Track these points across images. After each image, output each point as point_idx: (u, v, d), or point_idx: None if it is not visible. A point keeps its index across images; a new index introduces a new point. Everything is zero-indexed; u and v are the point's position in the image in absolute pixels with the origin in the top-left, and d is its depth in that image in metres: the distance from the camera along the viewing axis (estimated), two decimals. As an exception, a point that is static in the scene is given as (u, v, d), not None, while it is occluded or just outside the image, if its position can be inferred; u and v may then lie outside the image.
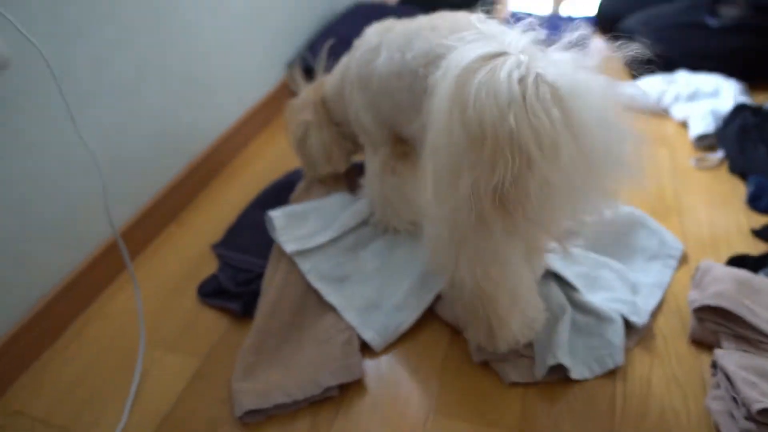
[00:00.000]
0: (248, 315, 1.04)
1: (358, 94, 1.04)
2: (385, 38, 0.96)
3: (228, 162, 1.48)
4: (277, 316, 1.00)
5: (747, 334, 0.90)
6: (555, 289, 1.00)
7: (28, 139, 0.96)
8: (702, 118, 1.45)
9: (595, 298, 1.00)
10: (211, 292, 1.09)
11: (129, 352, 0.99)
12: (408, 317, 0.99)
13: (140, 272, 1.16)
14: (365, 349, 0.97)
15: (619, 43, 0.69)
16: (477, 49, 0.66)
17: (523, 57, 0.65)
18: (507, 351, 0.91)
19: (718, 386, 0.86)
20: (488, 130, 0.63)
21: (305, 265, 1.07)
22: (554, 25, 0.73)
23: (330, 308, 1.02)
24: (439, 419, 0.87)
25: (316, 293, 1.05)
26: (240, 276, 1.11)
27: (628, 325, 0.96)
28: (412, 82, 0.88)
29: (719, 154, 1.37)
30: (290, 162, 1.39)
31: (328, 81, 1.20)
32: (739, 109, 1.43)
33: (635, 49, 0.68)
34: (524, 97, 0.62)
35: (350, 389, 0.92)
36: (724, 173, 1.34)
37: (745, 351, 0.89)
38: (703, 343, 0.95)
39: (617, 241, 1.12)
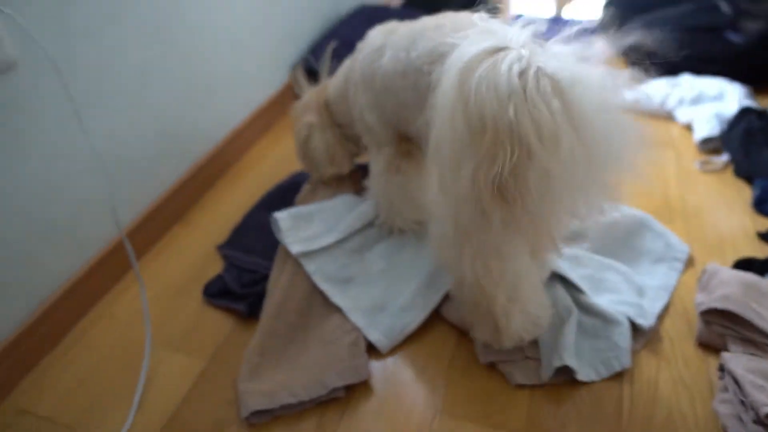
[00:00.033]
0: (254, 316, 1.04)
1: (362, 94, 1.04)
2: (389, 39, 0.97)
3: (233, 163, 1.49)
4: (283, 317, 1.00)
5: (754, 338, 0.90)
6: (561, 291, 1.00)
7: (35, 140, 0.96)
8: (707, 122, 1.45)
9: (601, 300, 1.00)
10: (216, 293, 1.09)
11: (135, 351, 0.99)
12: (414, 319, 0.99)
13: (145, 273, 1.16)
14: (371, 350, 0.97)
15: (623, 45, 0.70)
16: (479, 44, 0.68)
17: (524, 51, 0.66)
18: (512, 348, 0.91)
19: (725, 389, 0.86)
20: (489, 123, 0.64)
21: (311, 267, 1.07)
22: (557, 28, 0.74)
23: (336, 309, 1.02)
24: (446, 420, 0.87)
25: (321, 294, 1.05)
26: (245, 277, 1.11)
27: (635, 328, 0.96)
28: (417, 80, 0.89)
29: (724, 158, 1.37)
30: (295, 163, 1.39)
31: (331, 83, 1.20)
32: (744, 113, 1.43)
33: (639, 51, 0.69)
34: (524, 90, 0.63)
35: (356, 390, 0.92)
36: (729, 176, 1.33)
37: (752, 354, 0.89)
38: (709, 346, 0.95)
39: (623, 244, 1.12)
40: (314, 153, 1.24)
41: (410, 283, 1.04)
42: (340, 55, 1.23)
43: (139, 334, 1.02)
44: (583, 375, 0.90)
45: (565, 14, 2.27)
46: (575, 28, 0.70)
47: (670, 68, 1.65)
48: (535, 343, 0.93)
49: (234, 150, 1.48)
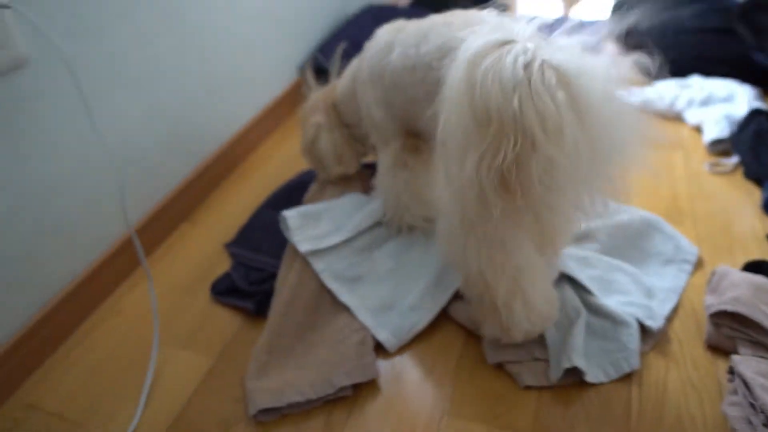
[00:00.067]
0: (261, 314, 1.04)
1: (370, 90, 1.05)
2: (398, 36, 0.98)
3: (240, 162, 1.49)
4: (291, 315, 1.00)
5: (763, 340, 0.90)
6: (569, 292, 1.00)
7: (47, 136, 0.96)
8: (716, 123, 1.44)
9: (609, 301, 0.99)
10: (224, 291, 1.10)
11: (142, 348, 1.00)
12: (422, 318, 0.99)
13: (153, 271, 1.16)
14: (379, 349, 0.97)
15: (632, 47, 0.70)
16: (485, 37, 0.69)
17: (529, 44, 0.67)
18: (521, 346, 0.91)
19: (735, 392, 0.85)
20: (494, 115, 0.65)
21: (319, 265, 1.07)
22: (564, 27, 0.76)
23: (344, 308, 1.02)
24: (453, 421, 0.87)
25: (329, 293, 1.05)
26: (253, 275, 1.11)
27: (644, 329, 0.95)
28: (426, 75, 0.90)
29: (734, 160, 1.37)
30: (302, 162, 1.39)
31: (339, 84, 1.21)
32: (754, 114, 1.43)
33: (648, 53, 0.70)
34: (529, 82, 0.64)
35: (364, 389, 0.92)
36: (738, 178, 1.33)
37: (762, 357, 0.88)
38: (719, 349, 0.94)
39: (632, 245, 1.12)
40: (322, 153, 1.24)
41: (418, 283, 1.04)
42: (347, 55, 1.23)
43: (146, 331, 1.02)
44: (591, 376, 0.89)
45: (573, 15, 2.27)
46: (578, 21, 0.72)
47: (679, 69, 1.65)
48: (543, 344, 0.93)
49: (241, 149, 1.49)
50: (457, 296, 1.01)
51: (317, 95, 1.26)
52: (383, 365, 0.95)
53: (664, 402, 0.87)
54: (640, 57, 0.70)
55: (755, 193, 1.28)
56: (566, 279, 1.02)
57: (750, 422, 0.80)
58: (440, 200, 0.82)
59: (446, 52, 0.84)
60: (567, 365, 0.88)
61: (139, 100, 1.14)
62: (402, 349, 0.98)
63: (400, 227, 1.14)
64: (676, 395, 0.88)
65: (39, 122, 0.95)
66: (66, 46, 0.94)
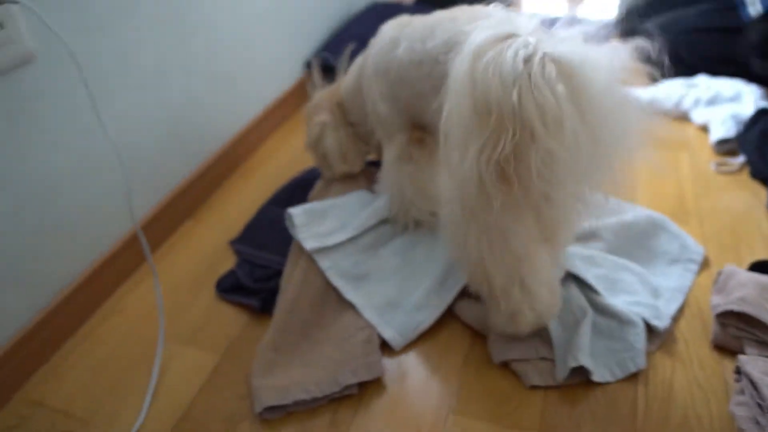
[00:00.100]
0: (267, 311, 1.04)
1: (375, 85, 1.05)
2: (404, 32, 0.99)
3: (245, 158, 1.49)
4: (297, 313, 1.00)
5: (770, 341, 0.89)
6: (575, 291, 1.00)
7: (53, 132, 0.96)
8: (722, 123, 1.44)
9: (616, 301, 0.99)
10: (229, 288, 1.09)
11: (148, 345, 1.00)
12: (428, 316, 0.99)
13: (157, 268, 1.16)
14: (385, 347, 0.97)
15: (638, 46, 0.70)
16: (490, 30, 0.70)
17: (531, 38, 0.68)
18: (527, 344, 0.91)
19: (742, 392, 0.85)
20: (494, 108, 0.66)
21: (325, 263, 1.07)
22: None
23: (349, 306, 1.02)
24: (459, 419, 0.87)
25: (335, 291, 1.04)
26: (258, 272, 1.11)
27: (650, 329, 0.95)
28: (433, 69, 0.91)
29: (740, 159, 1.36)
30: (307, 159, 1.39)
31: (344, 81, 1.21)
32: (760, 114, 1.42)
33: (654, 52, 0.70)
34: (529, 76, 0.65)
35: (369, 387, 0.91)
36: (745, 178, 1.32)
37: (768, 357, 0.88)
38: (725, 349, 0.94)
39: (638, 245, 1.12)
40: (327, 151, 1.24)
41: (424, 281, 1.04)
42: (352, 52, 1.23)
43: (151, 328, 1.02)
44: (598, 376, 0.89)
45: (578, 13, 2.26)
46: (581, 17, 0.73)
47: (686, 69, 1.64)
48: (549, 343, 0.93)
49: (247, 145, 1.48)
50: (462, 295, 1.01)
51: (322, 94, 1.26)
52: (389, 363, 0.95)
53: (671, 402, 0.87)
54: (641, 43, 0.71)
55: (761, 193, 1.27)
56: (572, 278, 1.01)
57: (757, 422, 0.80)
58: (444, 189, 0.84)
59: (452, 46, 0.85)
60: (573, 364, 0.88)
61: (144, 97, 1.14)
62: (408, 347, 0.97)
63: (407, 224, 1.14)
64: (683, 395, 0.88)
65: (45, 117, 0.95)
66: (73, 42, 0.94)
